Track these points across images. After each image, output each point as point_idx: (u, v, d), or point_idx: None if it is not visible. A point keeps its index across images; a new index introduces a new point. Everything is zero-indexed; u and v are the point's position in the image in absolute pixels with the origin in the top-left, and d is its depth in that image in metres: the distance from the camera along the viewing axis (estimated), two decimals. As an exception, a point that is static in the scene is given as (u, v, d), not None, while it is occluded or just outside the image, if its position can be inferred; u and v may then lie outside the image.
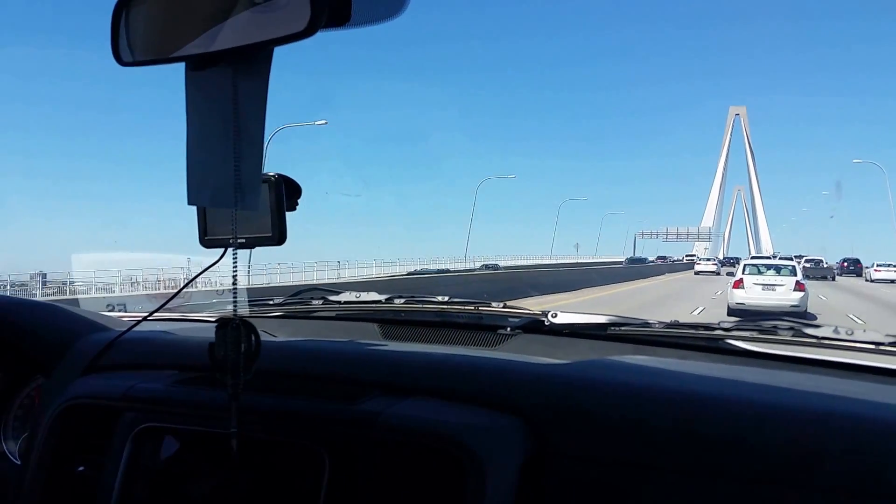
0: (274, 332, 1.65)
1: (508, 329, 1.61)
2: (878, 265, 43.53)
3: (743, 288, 16.24)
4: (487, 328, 1.65)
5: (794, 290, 15.86)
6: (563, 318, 1.56)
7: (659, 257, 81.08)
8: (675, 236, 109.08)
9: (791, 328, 1.45)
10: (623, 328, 1.52)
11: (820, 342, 1.38)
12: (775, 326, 1.47)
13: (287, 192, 1.08)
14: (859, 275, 47.37)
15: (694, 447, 0.94)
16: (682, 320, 1.61)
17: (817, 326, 1.44)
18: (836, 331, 1.40)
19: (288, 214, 1.08)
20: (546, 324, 1.57)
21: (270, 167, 1.04)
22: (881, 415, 0.96)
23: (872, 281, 41.07)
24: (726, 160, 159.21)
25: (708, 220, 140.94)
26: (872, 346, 1.34)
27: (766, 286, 16.07)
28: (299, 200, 1.13)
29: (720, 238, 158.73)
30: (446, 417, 1.02)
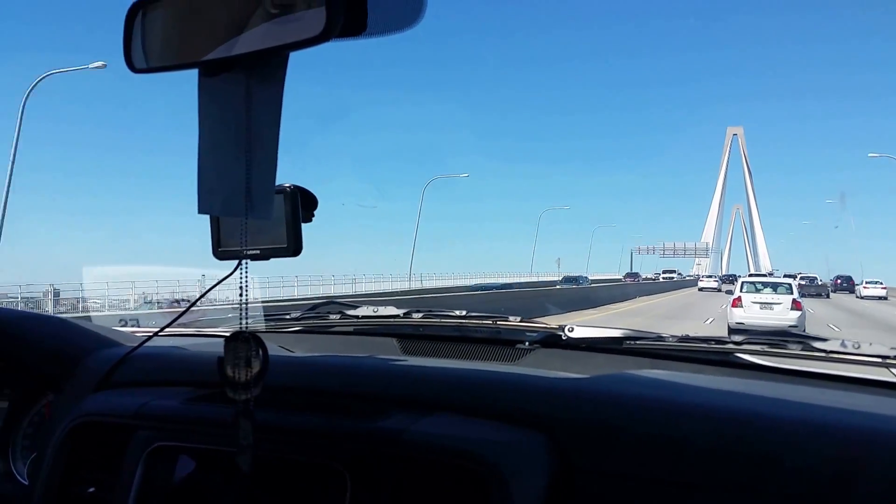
0: (291, 347, 1.64)
1: (526, 343, 1.62)
2: (866, 282, 44.78)
3: (741, 307, 16.42)
4: (505, 343, 1.65)
5: (792, 308, 16.04)
6: (579, 333, 1.57)
7: (628, 274, 73.09)
8: (672, 252, 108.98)
9: (800, 342, 1.47)
10: (638, 342, 1.53)
11: (828, 356, 1.40)
12: (784, 341, 1.49)
13: (303, 203, 1.06)
14: (851, 291, 48.35)
15: (718, 462, 0.93)
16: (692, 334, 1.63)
17: (825, 340, 1.46)
18: (843, 345, 1.41)
19: (304, 226, 1.07)
20: (563, 338, 1.58)
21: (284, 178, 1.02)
22: (892, 428, 0.96)
23: (862, 298, 42.11)
24: (725, 178, 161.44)
25: (708, 237, 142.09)
26: (879, 360, 1.36)
27: (763, 304, 16.24)
28: (315, 212, 1.11)
29: (720, 255, 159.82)
30: (470, 434, 1.00)
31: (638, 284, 51.11)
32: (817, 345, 1.44)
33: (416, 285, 38.66)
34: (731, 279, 56.32)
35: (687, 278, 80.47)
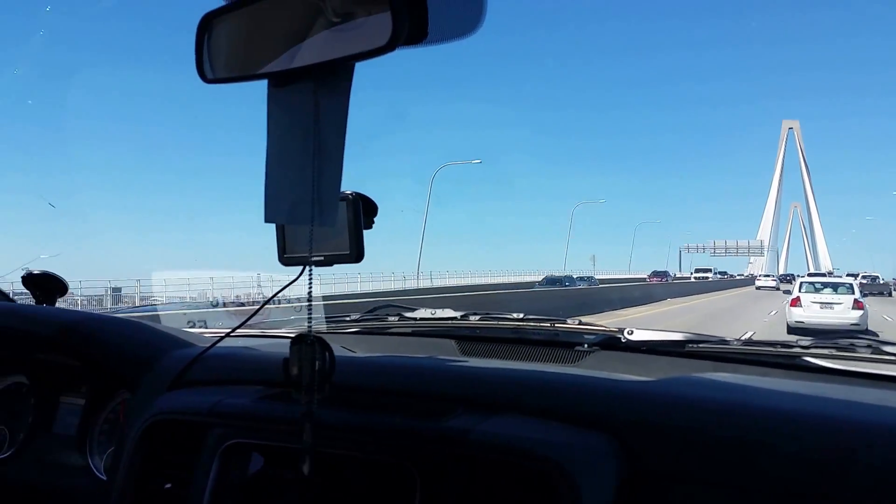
0: (352, 348, 1.66)
1: (585, 346, 1.60)
2: None
3: (801, 306, 15.98)
4: (564, 345, 1.65)
5: (853, 308, 15.51)
6: (639, 335, 1.56)
7: (655, 274, 58.44)
8: (723, 250, 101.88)
9: (869, 345, 1.43)
10: (701, 345, 1.51)
11: None
12: (853, 344, 1.46)
13: (364, 210, 1.08)
14: None
15: (791, 467, 0.91)
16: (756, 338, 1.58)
17: (895, 344, 1.41)
18: None
19: (364, 233, 1.09)
20: (623, 340, 1.56)
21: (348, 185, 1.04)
22: None
23: None
24: (781, 174, 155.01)
25: (763, 235, 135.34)
26: None
27: (823, 304, 15.77)
28: (375, 218, 1.13)
29: (776, 254, 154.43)
30: (536, 435, 1.00)
31: (666, 285, 43.45)
32: (888, 348, 1.40)
33: (423, 283, 37.15)
34: (788, 279, 54.93)
35: (737, 277, 76.79)
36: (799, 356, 1.44)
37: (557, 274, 36.82)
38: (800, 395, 1.11)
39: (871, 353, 1.39)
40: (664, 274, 57.14)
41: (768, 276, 64.81)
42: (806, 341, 1.50)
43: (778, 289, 47.13)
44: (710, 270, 70.33)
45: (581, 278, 36.00)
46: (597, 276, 44.81)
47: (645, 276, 57.00)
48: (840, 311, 15.48)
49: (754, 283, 57.42)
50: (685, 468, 0.95)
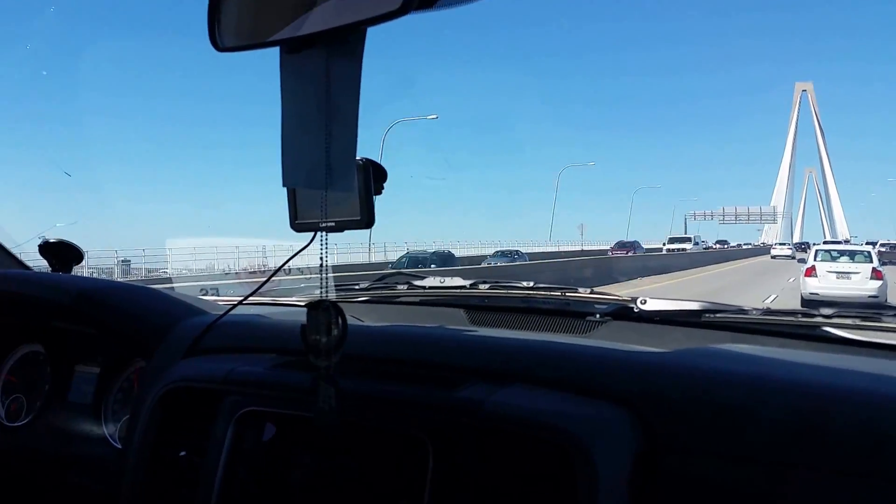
0: (361, 317, 1.66)
1: (597, 316, 1.58)
2: None
3: (815, 276, 15.37)
4: (575, 315, 1.62)
5: (872, 278, 14.95)
6: (652, 305, 1.52)
7: (620, 245, 45.34)
8: (733, 217, 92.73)
9: (895, 315, 1.38)
10: (718, 315, 1.47)
11: None
12: (878, 313, 1.41)
13: (374, 176, 1.08)
14: None
15: (813, 440, 0.90)
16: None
17: None
18: None
19: (375, 199, 1.08)
20: (635, 310, 1.53)
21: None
22: None
23: None
24: (794, 139, 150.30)
25: (777, 202, 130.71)
26: None
27: (840, 274, 15.16)
28: (385, 185, 1.12)
29: (790, 221, 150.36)
30: (550, 406, 1.00)
31: (632, 259, 33.73)
32: None
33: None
34: (803, 247, 53.86)
35: (743, 247, 71.51)
36: (820, 326, 1.40)
37: (507, 249, 34.10)
38: (822, 368, 1.09)
39: None
40: (632, 245, 44.96)
41: (784, 244, 63.24)
42: (828, 310, 1.46)
43: (794, 258, 45.91)
44: (688, 240, 52.84)
45: (504, 253, 31.82)
46: (562, 248, 41.46)
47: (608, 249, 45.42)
48: (857, 282, 14.98)
49: (769, 253, 56.28)
50: (703, 442, 0.94)
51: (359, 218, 1.05)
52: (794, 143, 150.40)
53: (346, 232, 1.05)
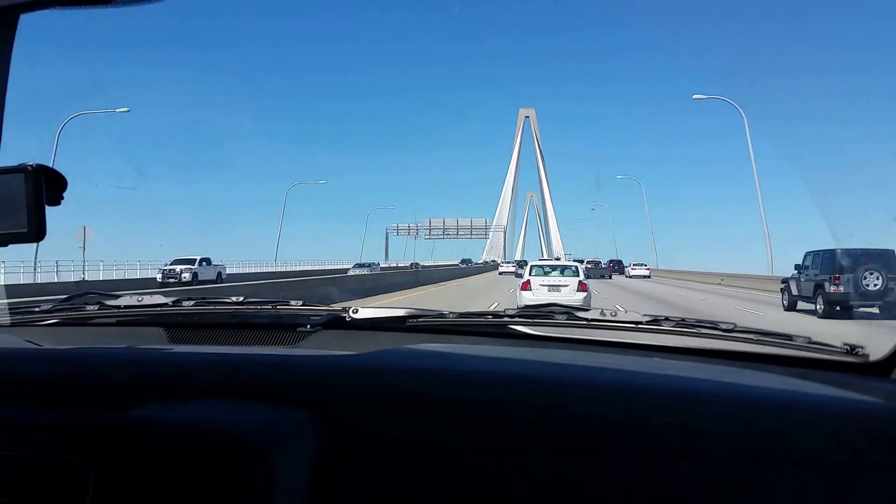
0: (39, 341, 1.49)
1: (308, 327, 1.60)
2: (633, 264, 53.15)
3: (530, 290, 17.01)
4: (286, 327, 1.63)
5: (578, 290, 16.86)
6: (363, 314, 1.58)
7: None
8: (440, 231, 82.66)
9: (566, 313, 1.60)
10: (420, 319, 1.58)
11: (589, 324, 1.55)
12: (552, 312, 1.61)
13: (50, 185, 0.97)
14: (622, 273, 55.10)
15: (492, 423, 1.00)
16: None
17: (587, 310, 1.62)
18: (602, 314, 1.57)
19: (53, 209, 0.98)
20: (347, 319, 1.58)
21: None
22: (643, 382, 1.11)
23: (630, 277, 49.96)
24: (518, 163, 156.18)
25: (501, 222, 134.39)
26: (632, 326, 1.53)
27: (551, 287, 16.89)
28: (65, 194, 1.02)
29: (513, 240, 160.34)
30: (230, 417, 0.99)
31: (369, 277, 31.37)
32: (580, 314, 1.59)
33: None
34: (523, 264, 60.15)
35: (407, 269, 71.92)
36: (506, 325, 1.58)
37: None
38: (501, 359, 1.23)
39: (567, 320, 1.57)
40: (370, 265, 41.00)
41: (510, 262, 68.60)
42: (513, 311, 1.64)
43: (517, 274, 51.51)
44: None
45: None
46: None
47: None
48: (566, 293, 16.73)
49: (498, 269, 62.05)
50: (393, 433, 1.00)
51: (26, 230, 0.94)
52: (517, 167, 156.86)
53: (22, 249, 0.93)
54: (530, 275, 17.51)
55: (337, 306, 1.70)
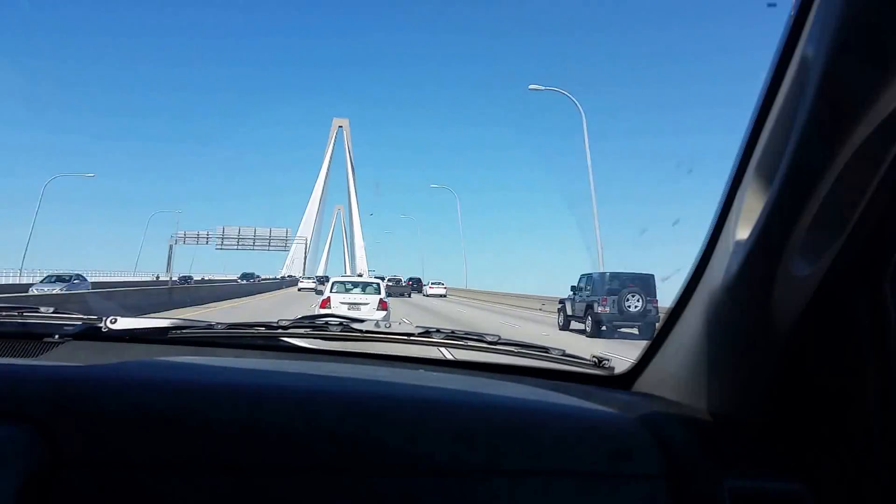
0: None
1: (56, 336, 1.46)
2: (431, 283, 54.37)
3: (330, 307, 16.39)
4: (32, 337, 1.47)
5: (378, 308, 16.68)
6: (123, 324, 1.49)
7: None
8: (236, 242, 73.07)
9: (340, 324, 1.61)
10: (185, 331, 1.51)
11: (364, 335, 1.57)
12: (327, 323, 1.61)
13: None
14: (420, 291, 56.36)
15: (239, 440, 0.97)
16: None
17: (362, 321, 1.64)
18: (377, 325, 1.61)
19: None
20: (103, 330, 1.48)
21: None
22: (409, 394, 1.13)
23: (427, 295, 51.26)
24: (328, 173, 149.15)
25: (305, 233, 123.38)
26: (405, 338, 1.57)
27: (352, 305, 16.50)
28: None
29: (316, 254, 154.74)
30: None
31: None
32: (355, 326, 1.60)
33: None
34: (324, 280, 59.45)
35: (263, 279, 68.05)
36: (278, 337, 1.55)
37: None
38: (259, 371, 1.20)
39: (342, 331, 1.57)
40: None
41: (310, 278, 66.17)
42: (287, 322, 1.60)
43: (318, 291, 50.58)
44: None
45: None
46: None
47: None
48: (367, 311, 16.38)
49: (297, 285, 59.87)
50: (118, 451, 0.94)
51: None
52: (326, 180, 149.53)
53: None
54: (331, 291, 17.14)
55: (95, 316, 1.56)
